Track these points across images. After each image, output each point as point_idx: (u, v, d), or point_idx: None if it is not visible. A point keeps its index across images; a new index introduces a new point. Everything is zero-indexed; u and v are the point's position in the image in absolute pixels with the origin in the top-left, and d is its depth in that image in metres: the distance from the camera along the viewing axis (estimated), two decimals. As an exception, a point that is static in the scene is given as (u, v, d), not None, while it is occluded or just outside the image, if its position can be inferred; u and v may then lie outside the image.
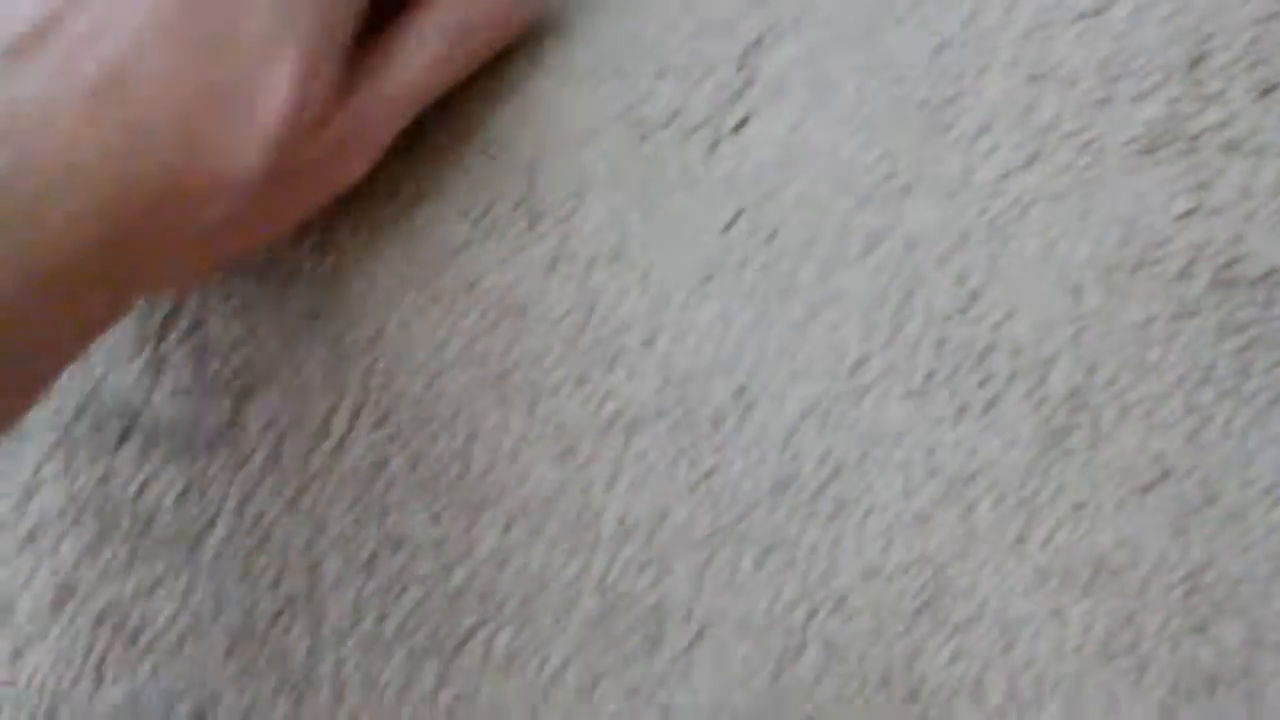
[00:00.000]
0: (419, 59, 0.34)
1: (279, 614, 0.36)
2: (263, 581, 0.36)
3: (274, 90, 0.31)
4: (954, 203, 0.33)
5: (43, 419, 0.37)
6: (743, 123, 0.34)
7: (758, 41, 0.34)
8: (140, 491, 0.36)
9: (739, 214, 0.34)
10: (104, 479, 0.37)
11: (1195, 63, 0.32)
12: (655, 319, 0.34)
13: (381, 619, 0.35)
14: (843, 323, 0.33)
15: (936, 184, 0.33)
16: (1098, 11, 0.33)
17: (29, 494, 0.37)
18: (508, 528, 0.35)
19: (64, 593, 0.37)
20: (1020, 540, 0.33)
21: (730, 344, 0.34)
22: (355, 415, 0.35)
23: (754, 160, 0.34)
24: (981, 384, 0.33)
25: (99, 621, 0.36)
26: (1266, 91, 0.32)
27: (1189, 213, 0.32)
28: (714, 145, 0.34)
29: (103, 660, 0.36)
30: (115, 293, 0.32)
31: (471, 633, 0.35)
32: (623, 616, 0.35)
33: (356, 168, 0.34)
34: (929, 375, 0.33)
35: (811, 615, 0.34)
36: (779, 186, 0.34)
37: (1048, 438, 0.33)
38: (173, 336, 0.37)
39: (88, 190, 0.30)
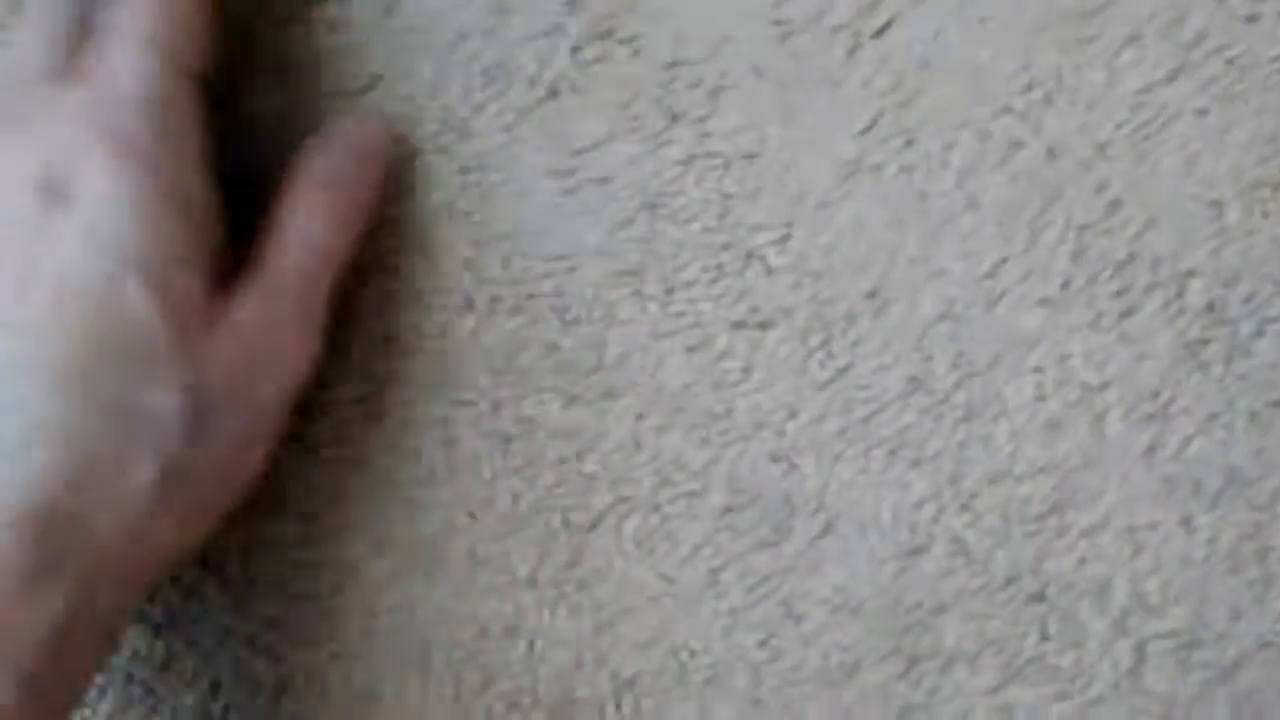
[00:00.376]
0: (305, 223, 0.34)
1: (418, 487, 0.38)
2: (405, 455, 0.38)
3: (137, 316, 0.30)
4: (1095, 114, 0.33)
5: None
6: (885, 26, 0.34)
7: (903, -57, 0.35)
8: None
9: (878, 117, 0.34)
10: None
11: (1346, -20, 0.32)
12: (790, 219, 0.35)
13: (516, 498, 0.37)
14: (979, 229, 0.34)
15: (1078, 94, 0.33)
16: (1249, -76, 0.33)
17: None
18: (640, 417, 0.36)
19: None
20: (1151, 450, 0.34)
21: (865, 245, 0.35)
22: (495, 299, 0.37)
23: (895, 64, 0.34)
24: (1118, 294, 0.34)
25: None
26: None
27: (1334, 131, 0.32)
28: (855, 48, 0.34)
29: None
30: (111, 589, 0.31)
31: (603, 515, 0.37)
32: (751, 507, 0.36)
33: (300, 351, 0.34)
34: (1065, 283, 0.34)
35: (939, 514, 0.35)
36: (919, 92, 0.34)
37: (1183, 350, 0.33)
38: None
39: None
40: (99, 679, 0.39)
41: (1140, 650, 0.34)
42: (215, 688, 0.39)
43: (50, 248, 0.31)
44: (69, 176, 0.31)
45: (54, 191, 0.31)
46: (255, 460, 0.34)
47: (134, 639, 0.39)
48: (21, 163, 0.31)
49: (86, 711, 0.39)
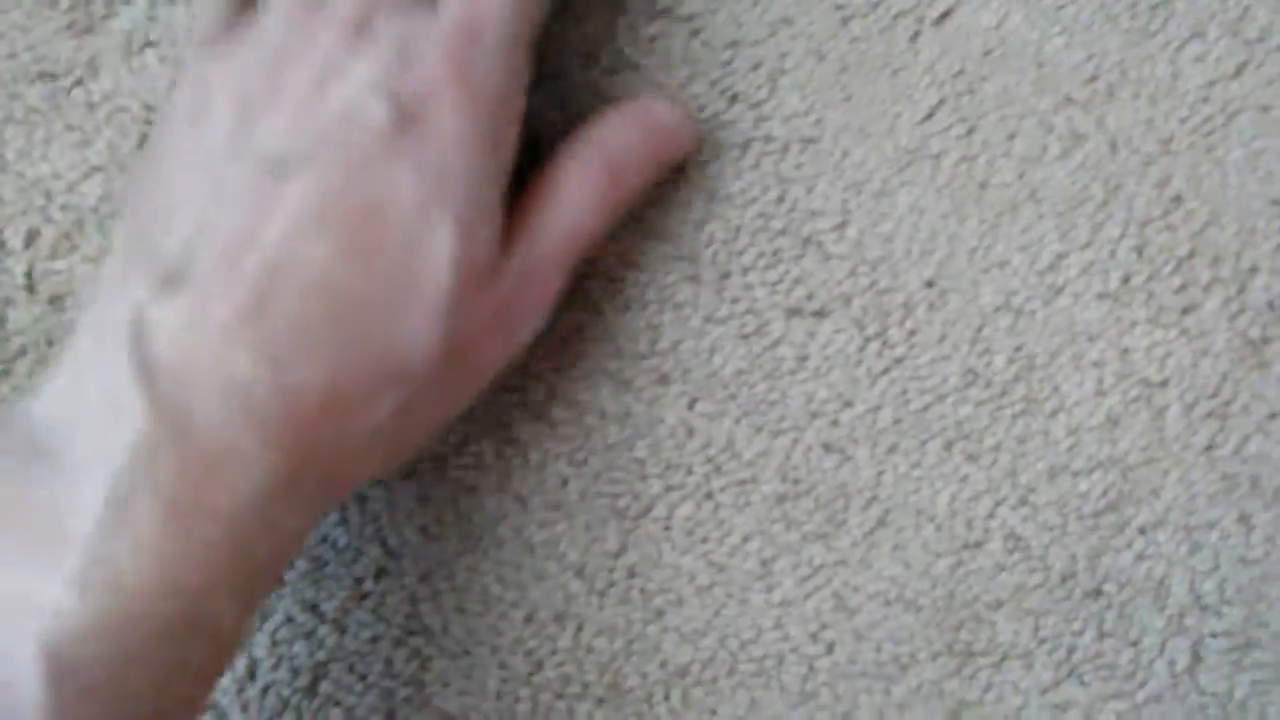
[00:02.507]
0: (574, 207, 0.35)
1: (464, 470, 0.39)
2: (450, 439, 0.39)
3: (435, 260, 0.32)
4: (1158, 108, 0.35)
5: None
6: (948, 12, 0.36)
7: (966, -74, 0.36)
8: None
9: (938, 105, 0.37)
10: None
11: None
12: (848, 205, 0.37)
13: (565, 482, 0.39)
14: (1039, 220, 0.36)
15: (1142, 87, 0.35)
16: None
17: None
18: (693, 403, 0.38)
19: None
20: (1210, 448, 0.36)
21: (923, 234, 0.37)
22: (547, 282, 0.38)
23: (957, 52, 0.36)
24: (1179, 290, 0.36)
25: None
26: None
27: (1398, 133, 0.34)
28: (916, 34, 0.37)
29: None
30: (306, 510, 0.33)
31: (653, 503, 0.39)
32: (804, 497, 0.38)
33: (527, 328, 0.36)
34: (1126, 278, 0.36)
35: (995, 508, 0.37)
36: (980, 80, 0.36)
37: (1244, 347, 0.36)
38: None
39: (243, 412, 0.31)
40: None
41: (1196, 649, 0.37)
42: (252, 670, 0.40)
43: (385, 163, 0.32)
44: (423, 98, 0.33)
45: (406, 110, 0.33)
46: (457, 413, 0.36)
47: (168, 620, 0.40)
48: (379, 71, 0.33)
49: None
